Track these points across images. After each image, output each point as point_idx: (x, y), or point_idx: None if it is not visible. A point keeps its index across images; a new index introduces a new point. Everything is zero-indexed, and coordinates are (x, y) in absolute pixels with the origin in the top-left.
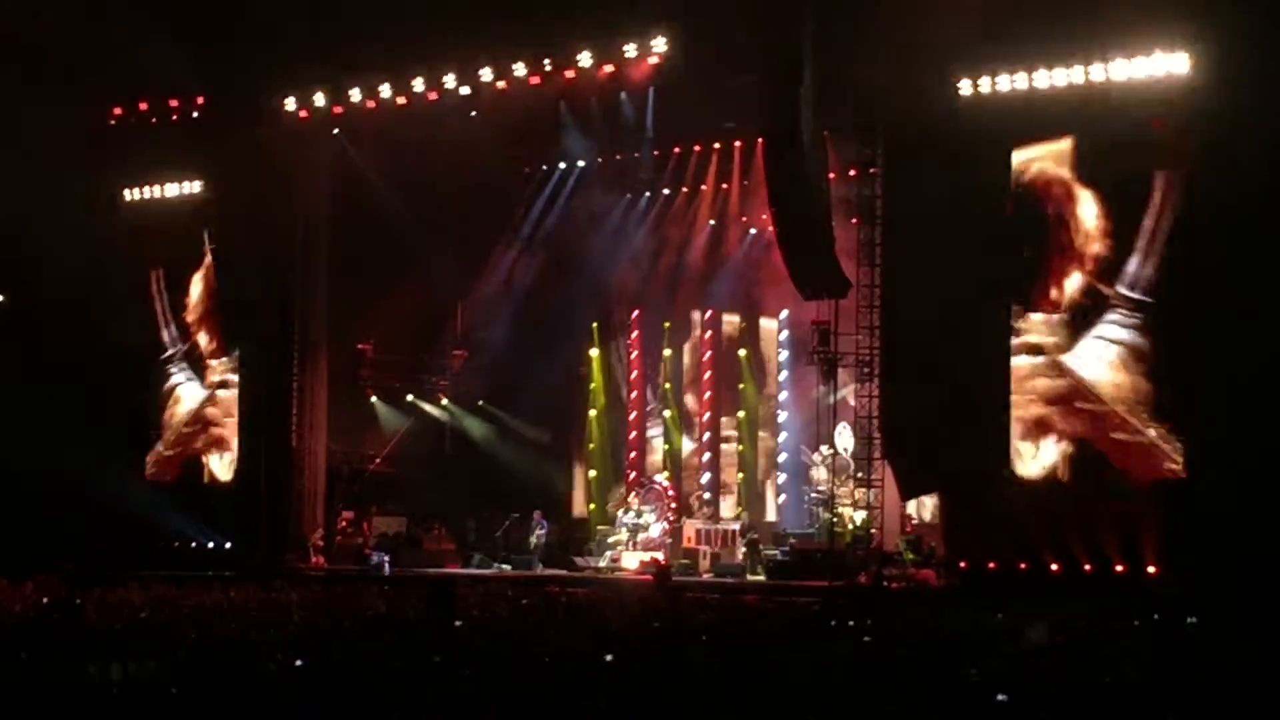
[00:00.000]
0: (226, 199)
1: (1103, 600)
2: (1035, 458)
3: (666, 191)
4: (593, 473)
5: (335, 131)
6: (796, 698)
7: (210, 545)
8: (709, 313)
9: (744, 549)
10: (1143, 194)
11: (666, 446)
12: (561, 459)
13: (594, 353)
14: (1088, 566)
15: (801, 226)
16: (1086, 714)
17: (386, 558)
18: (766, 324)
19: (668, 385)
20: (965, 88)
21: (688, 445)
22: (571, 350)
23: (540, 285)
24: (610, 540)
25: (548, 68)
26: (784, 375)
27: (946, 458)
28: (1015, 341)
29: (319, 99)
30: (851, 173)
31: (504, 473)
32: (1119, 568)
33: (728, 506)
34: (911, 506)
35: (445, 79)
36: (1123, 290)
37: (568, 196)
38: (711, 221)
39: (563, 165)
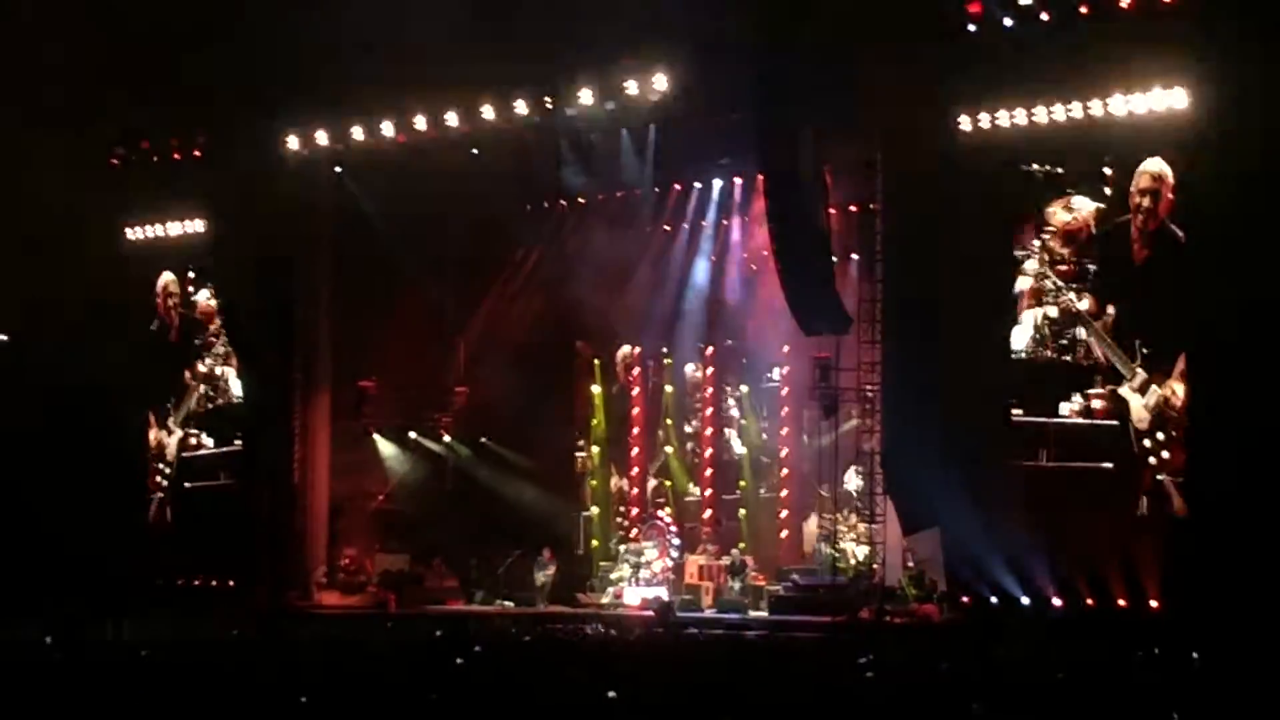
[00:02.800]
0: (228, 237)
1: (1105, 634)
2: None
3: (666, 228)
4: (595, 509)
5: (337, 169)
6: None
7: (213, 583)
8: (710, 349)
9: (736, 585)
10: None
11: (669, 482)
12: (564, 495)
13: (595, 389)
14: (1090, 601)
15: (802, 263)
16: None
17: (390, 595)
18: (768, 360)
19: (669, 421)
20: (965, 124)
21: (689, 481)
22: (573, 386)
23: (542, 321)
24: (613, 577)
25: (548, 105)
26: (786, 411)
27: (949, 492)
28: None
29: (321, 137)
30: (852, 208)
31: (506, 509)
32: (1121, 602)
33: (730, 542)
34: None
35: (446, 116)
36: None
37: (569, 233)
38: (712, 258)
39: (563, 202)
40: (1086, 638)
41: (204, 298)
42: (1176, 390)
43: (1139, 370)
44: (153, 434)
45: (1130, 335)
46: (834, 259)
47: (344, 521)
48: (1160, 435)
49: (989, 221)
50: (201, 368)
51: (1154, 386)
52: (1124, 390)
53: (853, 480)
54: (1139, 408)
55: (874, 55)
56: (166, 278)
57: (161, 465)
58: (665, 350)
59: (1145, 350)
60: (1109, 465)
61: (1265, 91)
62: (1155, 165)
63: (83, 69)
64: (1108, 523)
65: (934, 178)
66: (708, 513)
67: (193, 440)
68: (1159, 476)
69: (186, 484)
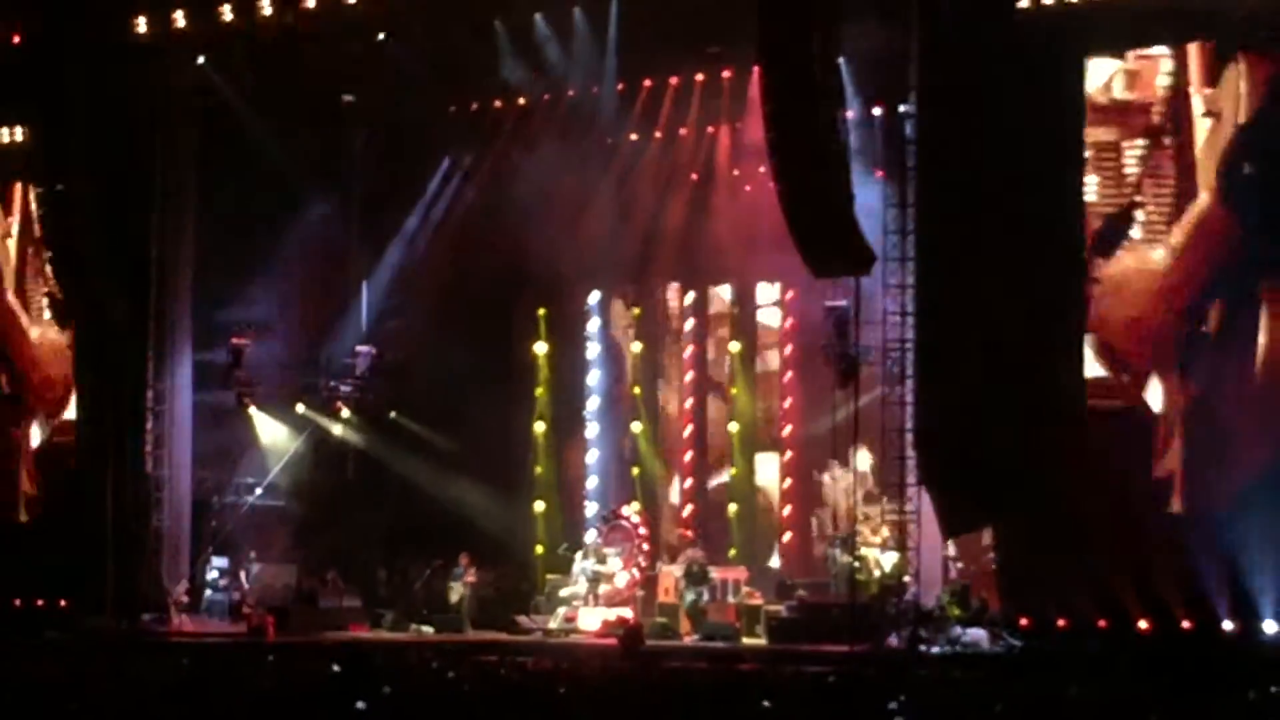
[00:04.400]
0: (58, 149)
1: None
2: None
3: (634, 137)
4: (540, 505)
5: (200, 60)
6: None
7: (40, 603)
8: (691, 296)
9: (691, 598)
10: None
11: (636, 470)
12: (500, 487)
13: (540, 348)
14: (1187, 624)
15: (811, 183)
16: None
17: (270, 618)
18: (766, 311)
19: (637, 390)
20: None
21: (663, 468)
22: (510, 345)
23: (470, 260)
24: (564, 593)
25: None
26: (789, 376)
27: (1005, 483)
28: None
29: (179, 18)
30: (876, 111)
31: (426, 505)
32: (1227, 625)
33: (717, 547)
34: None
35: None
36: None
37: (505, 144)
38: (694, 176)
39: (499, 104)
40: (1184, 671)
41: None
42: None
43: None
44: None
45: None
46: (852, 175)
47: (212, 523)
48: None
49: (1054, 124)
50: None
51: None
52: None
53: (863, 459)
54: None
55: None
56: None
57: None
58: (633, 297)
59: None
60: None
61: None
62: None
63: None
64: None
65: (983, 66)
66: (688, 509)
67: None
68: None
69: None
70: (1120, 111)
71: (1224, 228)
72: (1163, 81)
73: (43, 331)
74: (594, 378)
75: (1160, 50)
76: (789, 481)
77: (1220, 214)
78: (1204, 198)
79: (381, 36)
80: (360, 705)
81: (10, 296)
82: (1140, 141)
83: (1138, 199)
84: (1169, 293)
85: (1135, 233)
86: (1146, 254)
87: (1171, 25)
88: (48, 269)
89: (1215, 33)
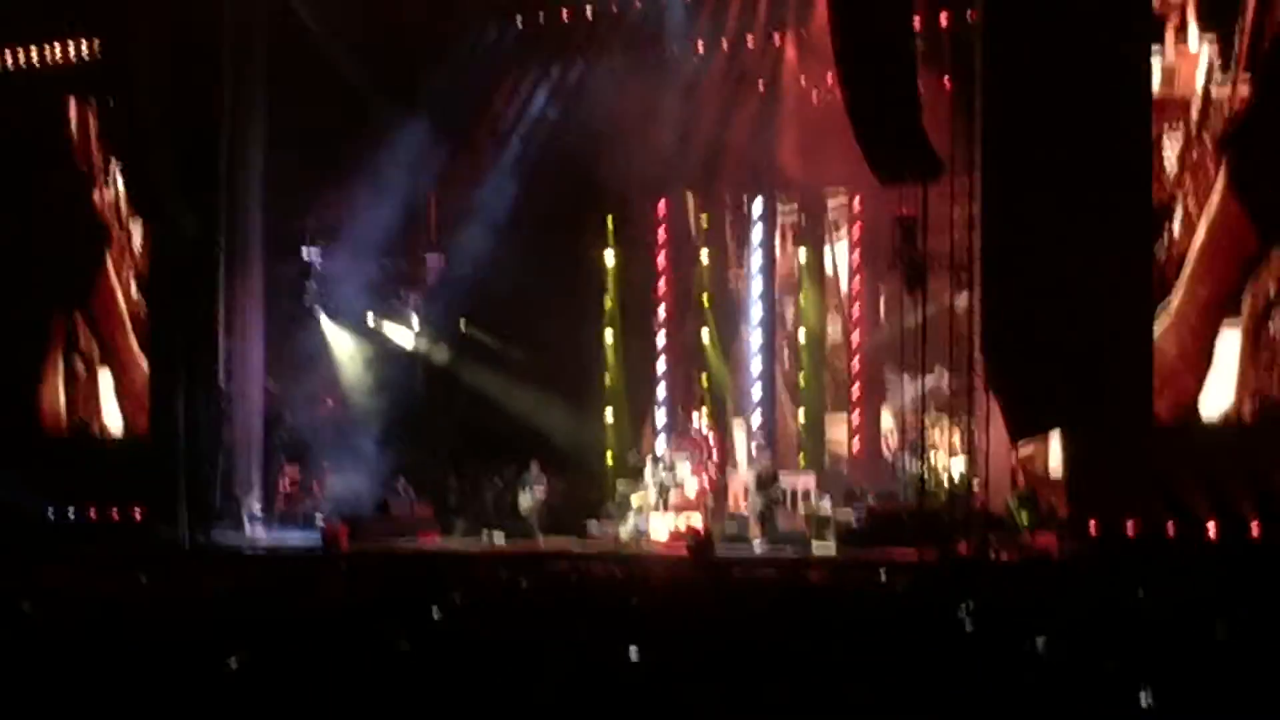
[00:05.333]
0: (129, 60)
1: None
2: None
3: (701, 47)
4: (610, 413)
5: None
6: (878, 705)
7: (116, 515)
8: (758, 203)
9: (758, 506)
10: None
11: (705, 377)
12: (569, 395)
13: (609, 256)
14: (1256, 529)
15: (878, 89)
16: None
17: (344, 528)
18: (834, 216)
19: (706, 298)
20: None
21: (731, 375)
22: (580, 253)
23: (539, 169)
24: (634, 501)
25: None
26: (857, 282)
27: (1072, 387)
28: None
29: None
30: (943, 19)
31: (496, 415)
32: None
33: (788, 454)
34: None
35: None
36: None
37: (573, 55)
38: (760, 84)
39: (566, 14)
40: (1252, 577)
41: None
42: None
43: None
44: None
45: None
46: (919, 83)
47: (284, 433)
48: None
49: (1122, 33)
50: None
51: None
52: None
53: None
54: None
55: None
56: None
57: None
58: (701, 204)
59: None
60: None
61: None
62: None
63: None
64: None
65: None
66: (756, 416)
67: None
68: None
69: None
70: (1159, 108)
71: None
72: (1200, 80)
73: None
74: (662, 286)
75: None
76: (857, 388)
77: (1234, 209)
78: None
79: None
80: (434, 614)
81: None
82: (1178, 136)
83: (1178, 193)
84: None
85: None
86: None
87: None
88: None
89: None
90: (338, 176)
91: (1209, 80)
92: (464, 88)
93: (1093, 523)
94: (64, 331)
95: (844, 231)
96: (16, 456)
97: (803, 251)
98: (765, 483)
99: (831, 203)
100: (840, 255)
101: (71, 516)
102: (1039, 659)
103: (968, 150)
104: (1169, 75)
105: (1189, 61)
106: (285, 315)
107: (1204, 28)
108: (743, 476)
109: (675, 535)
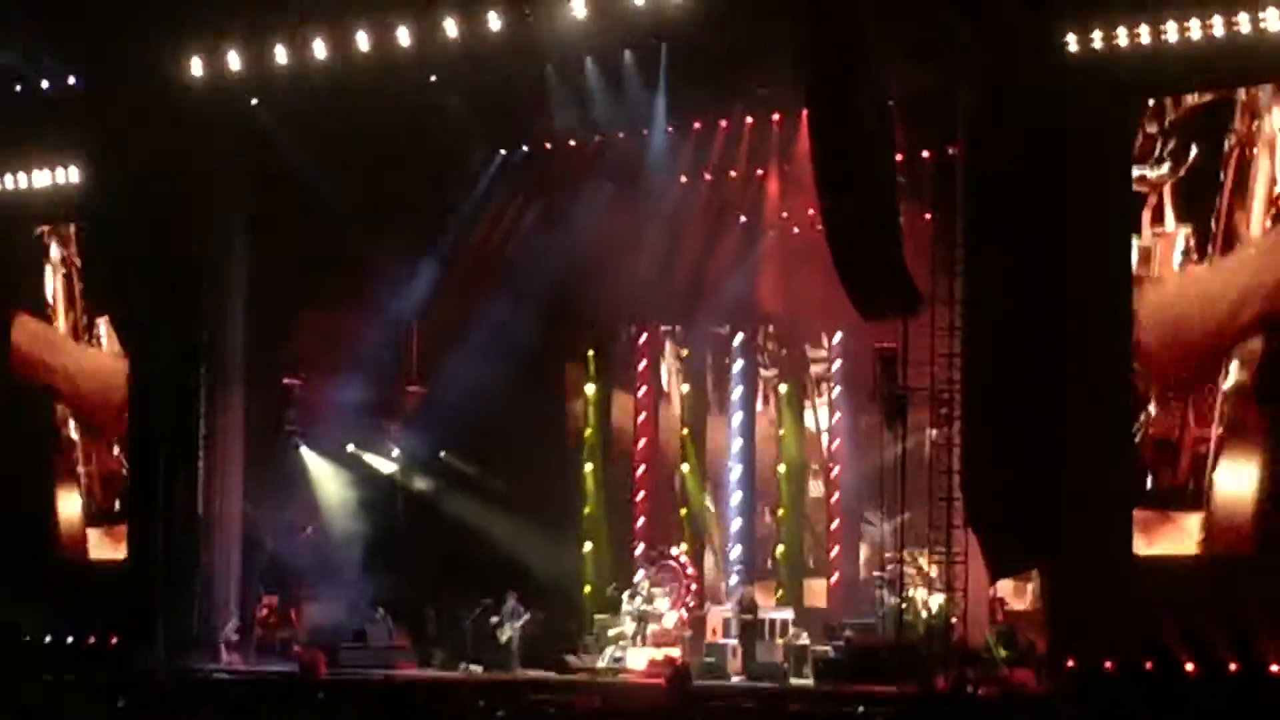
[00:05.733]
0: (112, 189)
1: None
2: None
3: (684, 179)
4: (588, 545)
5: (254, 102)
6: None
7: (92, 641)
8: (739, 337)
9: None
10: None
11: (685, 510)
12: (549, 526)
13: (589, 389)
14: (1234, 666)
15: (860, 223)
16: None
17: (321, 657)
18: (815, 351)
19: (686, 431)
20: (1072, 43)
21: (712, 508)
22: (560, 385)
23: (522, 300)
24: (612, 633)
25: (528, 16)
26: (838, 417)
27: (1051, 524)
28: None
29: (233, 60)
30: (925, 154)
31: (476, 545)
32: (1275, 668)
33: (764, 589)
34: (1004, 589)
35: (396, 33)
36: None
37: (557, 186)
38: (742, 218)
39: (550, 146)
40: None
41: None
42: None
43: None
44: None
45: None
46: (901, 217)
47: (262, 560)
48: None
49: (1102, 168)
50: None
51: None
52: None
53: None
54: None
55: None
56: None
57: None
58: (681, 337)
59: None
60: None
61: None
62: None
63: None
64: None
65: (1032, 110)
66: (736, 550)
67: None
68: None
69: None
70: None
71: None
72: (1176, 260)
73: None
74: (643, 418)
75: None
76: (836, 522)
77: None
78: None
79: (433, 79)
80: None
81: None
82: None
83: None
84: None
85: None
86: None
87: (1222, 69)
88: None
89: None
90: (320, 305)
91: (1185, 261)
92: (448, 218)
93: (1070, 659)
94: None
95: (825, 378)
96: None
97: (784, 386)
98: (746, 609)
99: (812, 337)
100: (820, 394)
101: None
102: None
103: (949, 283)
104: (1145, 255)
105: (1166, 241)
106: (265, 443)
107: (1179, 216)
108: (721, 610)
109: (653, 666)
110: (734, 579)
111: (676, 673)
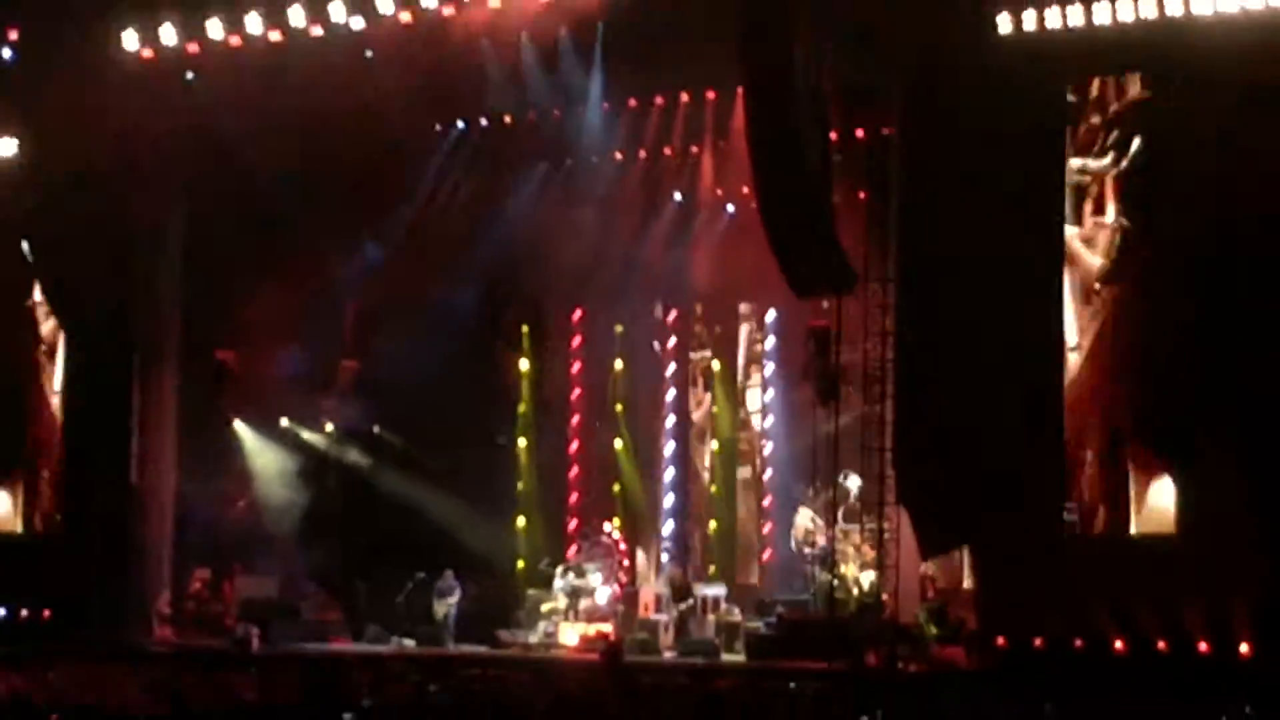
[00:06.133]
0: (44, 164)
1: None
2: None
3: (619, 157)
4: (521, 520)
5: (189, 76)
6: None
7: (23, 613)
8: (673, 314)
9: (673, 617)
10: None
11: (617, 486)
12: (481, 502)
13: (523, 365)
14: (1162, 644)
15: (794, 203)
16: None
17: (254, 630)
18: (748, 328)
19: (620, 407)
20: (1004, 24)
21: (643, 484)
22: (494, 362)
23: (455, 277)
24: (544, 608)
25: None
26: (770, 395)
27: (982, 502)
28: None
29: (167, 34)
30: (858, 133)
31: (409, 520)
32: (1202, 646)
33: (696, 567)
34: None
35: (330, 7)
36: None
37: (491, 163)
38: (677, 196)
39: (485, 122)
40: (1157, 692)
41: None
42: None
43: None
44: None
45: None
46: (834, 196)
47: (195, 535)
48: None
49: (1034, 151)
50: None
51: None
52: None
53: (851, 480)
54: None
55: None
56: None
57: None
58: (616, 314)
59: None
60: None
61: None
62: None
63: None
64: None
65: (965, 92)
66: (668, 526)
67: None
68: None
69: None
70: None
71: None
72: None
73: None
74: (576, 393)
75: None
76: (769, 499)
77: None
78: None
79: (369, 54)
80: (344, 716)
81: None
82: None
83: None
84: None
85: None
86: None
87: (1153, 52)
88: None
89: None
90: (255, 279)
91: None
92: (385, 194)
93: (1000, 638)
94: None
95: (757, 344)
96: None
97: (716, 363)
98: (679, 593)
99: (745, 314)
100: (753, 372)
101: None
102: None
103: (882, 261)
104: (1086, 242)
105: (1106, 232)
106: (198, 415)
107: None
108: (654, 586)
109: (585, 642)
110: (665, 556)
111: (610, 648)
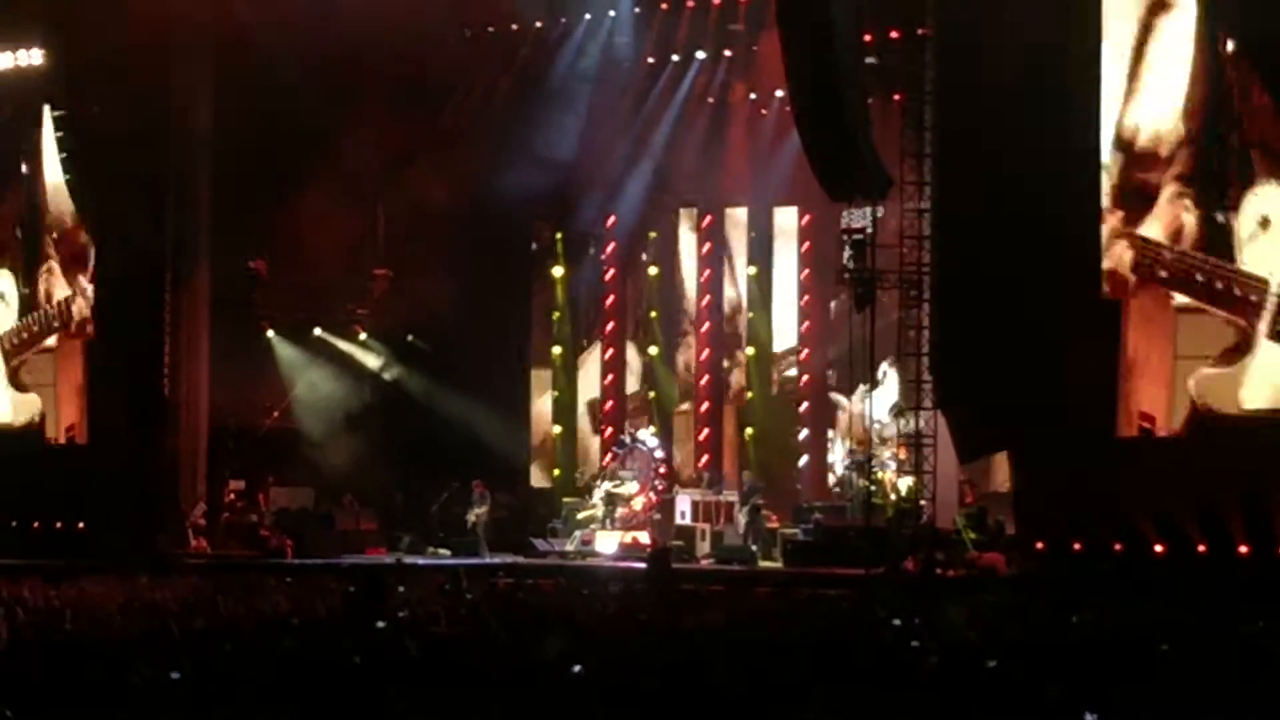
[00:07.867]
0: (75, 70)
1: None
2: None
3: (651, 60)
4: (557, 429)
5: None
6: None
7: (58, 525)
8: (707, 218)
9: (744, 519)
10: None
11: (653, 394)
12: (517, 411)
13: (557, 271)
14: (1202, 547)
15: (828, 105)
16: None
17: (288, 541)
18: (783, 232)
19: (654, 314)
20: None
21: (680, 392)
22: (528, 268)
23: (487, 184)
24: (581, 516)
25: None
26: (806, 299)
27: (1022, 407)
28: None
29: None
30: (894, 34)
31: (442, 429)
32: (1243, 549)
33: (733, 471)
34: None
35: None
36: None
37: (522, 69)
38: (710, 99)
39: (515, 27)
40: (1196, 595)
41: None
42: None
43: None
44: None
45: None
46: (870, 99)
47: (229, 446)
48: None
49: (1070, 45)
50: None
51: None
52: None
53: (888, 381)
54: None
55: None
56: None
57: None
58: (649, 220)
59: None
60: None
61: None
62: None
63: None
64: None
65: None
66: (704, 432)
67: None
68: None
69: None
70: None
71: None
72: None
73: None
74: (610, 301)
75: None
76: (806, 405)
77: None
78: None
79: None
80: (378, 625)
81: None
82: None
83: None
84: None
85: None
86: None
87: None
88: None
89: None
90: (286, 189)
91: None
92: (413, 100)
93: (1039, 542)
94: None
95: (793, 248)
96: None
97: (752, 268)
98: (747, 495)
99: (781, 218)
100: (789, 272)
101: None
102: (984, 677)
103: (918, 166)
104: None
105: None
106: (231, 327)
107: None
108: (689, 493)
109: (622, 548)
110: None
111: (656, 555)
